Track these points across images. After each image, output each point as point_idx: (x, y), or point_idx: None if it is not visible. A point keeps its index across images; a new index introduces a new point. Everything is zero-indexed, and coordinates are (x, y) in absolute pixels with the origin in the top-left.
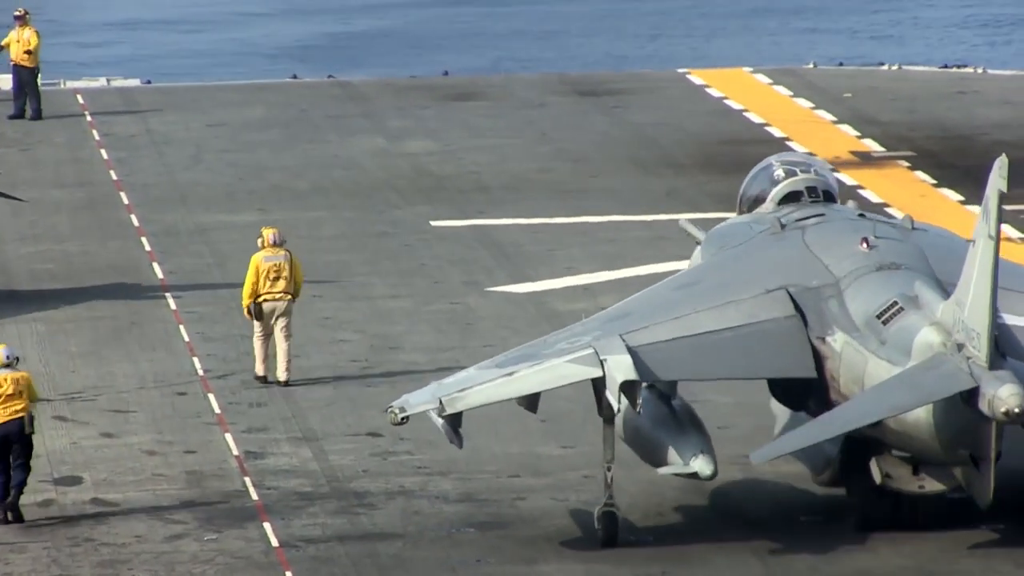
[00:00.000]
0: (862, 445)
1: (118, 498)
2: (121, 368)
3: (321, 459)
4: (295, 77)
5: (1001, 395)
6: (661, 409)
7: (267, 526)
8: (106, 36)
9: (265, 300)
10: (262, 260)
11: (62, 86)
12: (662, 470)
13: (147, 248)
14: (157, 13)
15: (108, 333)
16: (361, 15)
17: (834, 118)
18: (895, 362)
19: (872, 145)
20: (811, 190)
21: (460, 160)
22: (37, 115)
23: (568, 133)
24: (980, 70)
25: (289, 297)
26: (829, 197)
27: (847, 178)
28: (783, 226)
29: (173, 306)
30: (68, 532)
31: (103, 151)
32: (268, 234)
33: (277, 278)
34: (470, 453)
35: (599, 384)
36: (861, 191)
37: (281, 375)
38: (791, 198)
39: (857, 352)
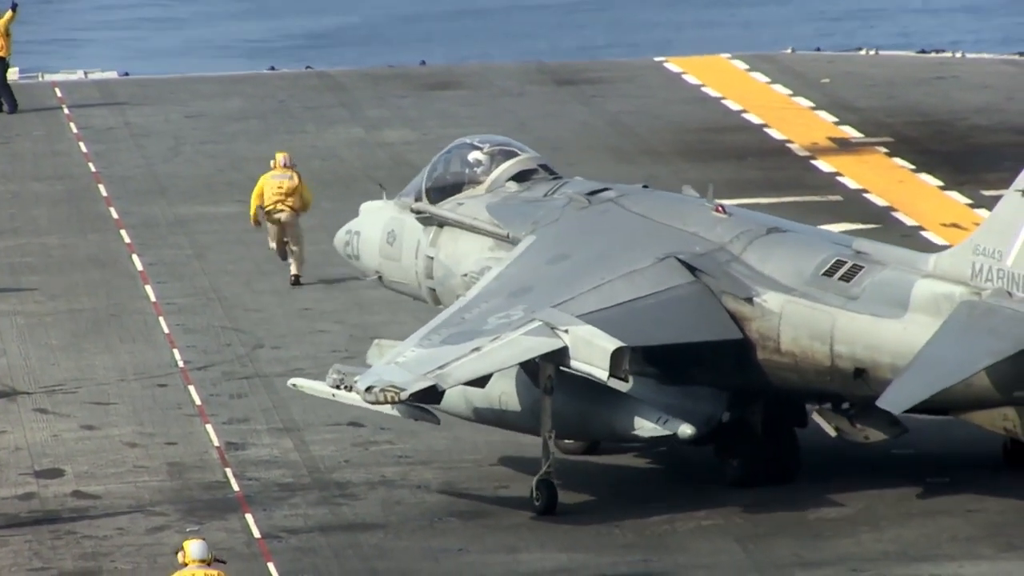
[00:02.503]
0: (748, 403)
1: (99, 490)
2: (101, 360)
3: (302, 450)
4: (273, 68)
5: None
6: (589, 382)
7: (249, 517)
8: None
9: (271, 212)
10: (270, 179)
11: (39, 79)
12: (635, 432)
13: (126, 240)
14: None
15: (88, 325)
16: (337, 6)
17: (812, 104)
18: (883, 314)
19: (850, 131)
20: (543, 167)
21: (438, 149)
22: (13, 108)
23: (546, 122)
24: (958, 54)
25: (293, 210)
26: (553, 172)
27: (826, 165)
28: (589, 201)
29: (153, 298)
30: (50, 525)
31: (81, 144)
32: (280, 157)
33: (284, 194)
34: (451, 442)
35: (550, 357)
36: (840, 177)
37: (293, 270)
38: (524, 176)
39: (811, 309)
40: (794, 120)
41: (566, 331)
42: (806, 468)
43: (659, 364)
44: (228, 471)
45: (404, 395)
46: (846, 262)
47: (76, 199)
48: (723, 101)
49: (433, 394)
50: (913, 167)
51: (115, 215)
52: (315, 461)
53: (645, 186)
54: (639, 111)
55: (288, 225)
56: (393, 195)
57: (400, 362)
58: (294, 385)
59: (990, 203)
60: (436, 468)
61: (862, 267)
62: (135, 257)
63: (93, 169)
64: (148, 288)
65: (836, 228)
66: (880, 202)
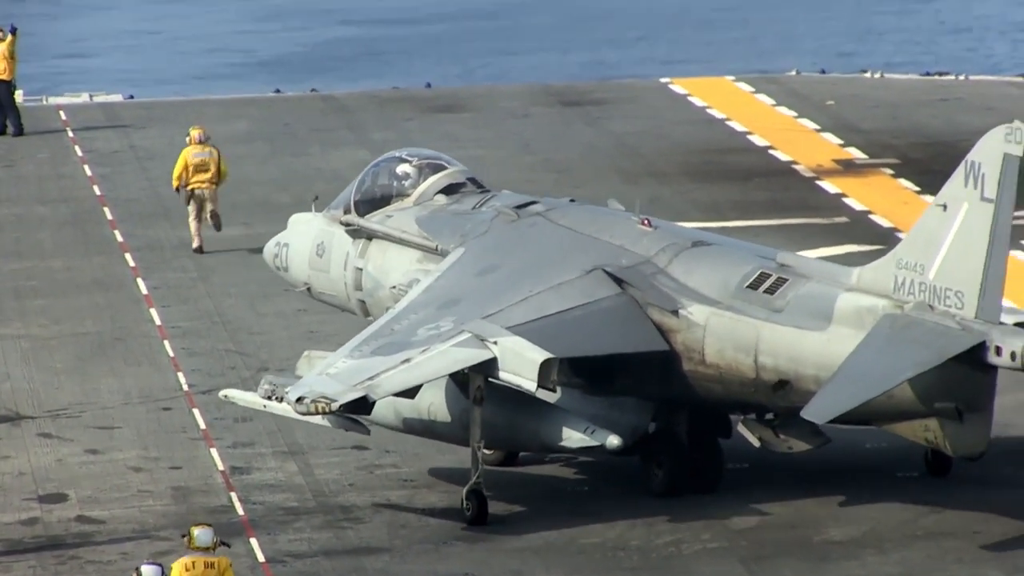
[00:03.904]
0: (673, 414)
1: (104, 515)
2: (106, 384)
3: (307, 473)
4: (278, 91)
5: None
6: (518, 393)
7: (253, 541)
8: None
9: (194, 188)
10: (191, 155)
11: (44, 102)
12: (563, 443)
13: (131, 263)
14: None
15: (92, 349)
16: (343, 29)
17: (817, 126)
18: (806, 327)
19: (855, 153)
20: (471, 180)
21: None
22: (19, 131)
23: (551, 143)
24: (962, 77)
25: (214, 186)
26: (481, 186)
27: (831, 186)
28: (518, 215)
29: (158, 321)
30: (54, 550)
31: (86, 167)
32: (195, 133)
33: (204, 170)
34: (456, 465)
35: (479, 368)
36: (845, 199)
37: (196, 243)
38: (452, 189)
39: (736, 321)
40: (799, 141)
41: (495, 343)
42: (810, 489)
43: (586, 375)
44: (233, 495)
45: (335, 406)
46: (770, 275)
47: (81, 222)
48: (728, 122)
49: (364, 405)
50: (918, 188)
51: (120, 238)
52: (320, 485)
53: (572, 200)
54: (644, 132)
55: (209, 199)
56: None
57: (331, 373)
58: (225, 396)
59: None
60: (441, 491)
61: (786, 280)
62: (139, 280)
63: (98, 192)
64: (153, 311)
65: (841, 250)
66: (885, 223)
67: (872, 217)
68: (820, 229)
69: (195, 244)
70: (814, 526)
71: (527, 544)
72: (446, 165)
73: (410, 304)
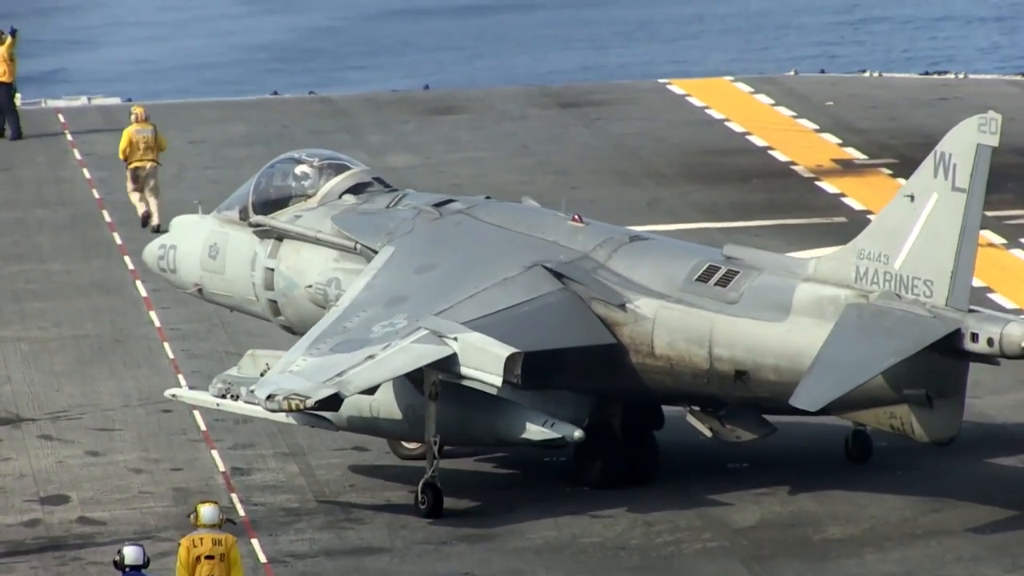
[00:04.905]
0: (608, 407)
1: (105, 516)
2: (106, 386)
3: (308, 474)
4: (276, 94)
5: (1013, 333)
6: (469, 388)
7: (255, 542)
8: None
9: (136, 166)
10: (134, 132)
11: (43, 105)
12: (524, 437)
13: (130, 266)
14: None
15: (92, 351)
16: (339, 25)
17: (816, 126)
18: (764, 318)
19: (854, 153)
20: (377, 179)
21: (441, 173)
22: (17, 135)
23: (549, 145)
24: (961, 75)
25: (155, 163)
26: (388, 185)
27: (830, 186)
28: (440, 213)
29: (157, 323)
30: (55, 552)
31: (85, 170)
32: (138, 111)
33: (146, 148)
34: (457, 466)
35: (440, 364)
36: (844, 199)
37: (155, 221)
38: (359, 188)
39: (687, 314)
40: (798, 142)
41: (454, 338)
42: (809, 488)
43: (528, 371)
44: (234, 496)
45: (309, 403)
46: (719, 267)
47: (80, 225)
48: (727, 123)
49: (335, 401)
50: None
51: (119, 241)
52: (320, 485)
53: (488, 197)
54: (643, 133)
55: (151, 175)
56: (209, 211)
57: (295, 371)
58: (173, 396)
59: (992, 224)
60: (442, 491)
61: (737, 272)
62: (139, 283)
63: (96, 195)
64: (152, 314)
65: None
66: None
67: (871, 217)
68: (819, 229)
69: (141, 211)
70: (814, 525)
71: (528, 544)
72: (349, 165)
73: (354, 302)
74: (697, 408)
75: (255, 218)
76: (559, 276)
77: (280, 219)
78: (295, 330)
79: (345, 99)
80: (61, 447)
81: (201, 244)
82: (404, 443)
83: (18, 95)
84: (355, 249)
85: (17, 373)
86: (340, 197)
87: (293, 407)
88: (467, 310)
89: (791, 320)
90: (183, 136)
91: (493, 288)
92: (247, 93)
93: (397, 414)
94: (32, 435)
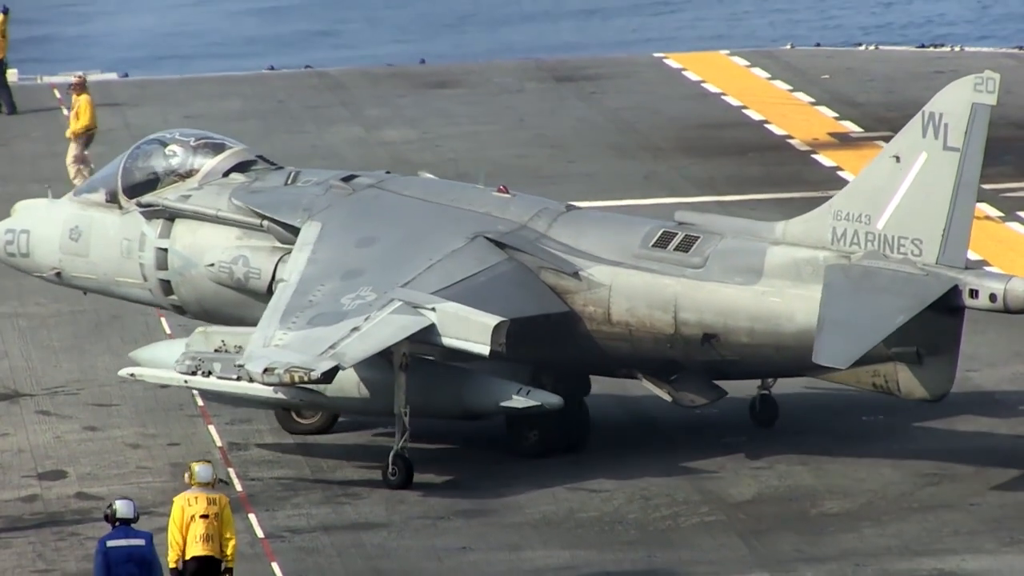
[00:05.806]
0: (541, 376)
1: (103, 492)
2: (103, 362)
3: (304, 449)
4: (272, 68)
5: (1017, 287)
6: (438, 362)
7: (252, 517)
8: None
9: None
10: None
11: (38, 81)
12: (502, 405)
13: None
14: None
15: (90, 327)
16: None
17: (812, 100)
18: (733, 281)
19: (851, 126)
20: (260, 157)
21: (438, 148)
22: (12, 110)
23: (545, 119)
24: (957, 48)
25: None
26: (272, 163)
27: (826, 160)
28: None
29: None
30: (53, 527)
31: None
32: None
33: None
34: (454, 441)
35: (419, 335)
36: (840, 172)
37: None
38: (244, 166)
39: (646, 279)
40: (794, 115)
41: (432, 309)
42: (807, 462)
43: None
44: (231, 471)
45: (314, 375)
46: (676, 233)
47: None
48: (723, 97)
49: (331, 373)
50: None
51: None
52: (318, 461)
53: (388, 172)
54: (639, 107)
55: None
56: (59, 195)
57: (280, 345)
58: (132, 375)
59: (989, 196)
60: (439, 467)
61: (697, 237)
62: None
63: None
64: None
65: None
66: None
67: None
68: (815, 203)
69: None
70: (811, 499)
71: (525, 518)
72: (226, 144)
73: (304, 276)
74: (650, 375)
75: (146, 198)
76: (502, 246)
77: (168, 198)
78: (187, 309)
79: (341, 73)
80: (59, 422)
81: (60, 228)
82: (297, 417)
83: (10, 71)
84: (261, 226)
85: (15, 349)
86: (226, 176)
87: (296, 379)
88: (429, 281)
89: (764, 282)
90: (179, 111)
91: (446, 260)
92: (243, 68)
93: (356, 388)
94: (30, 410)
